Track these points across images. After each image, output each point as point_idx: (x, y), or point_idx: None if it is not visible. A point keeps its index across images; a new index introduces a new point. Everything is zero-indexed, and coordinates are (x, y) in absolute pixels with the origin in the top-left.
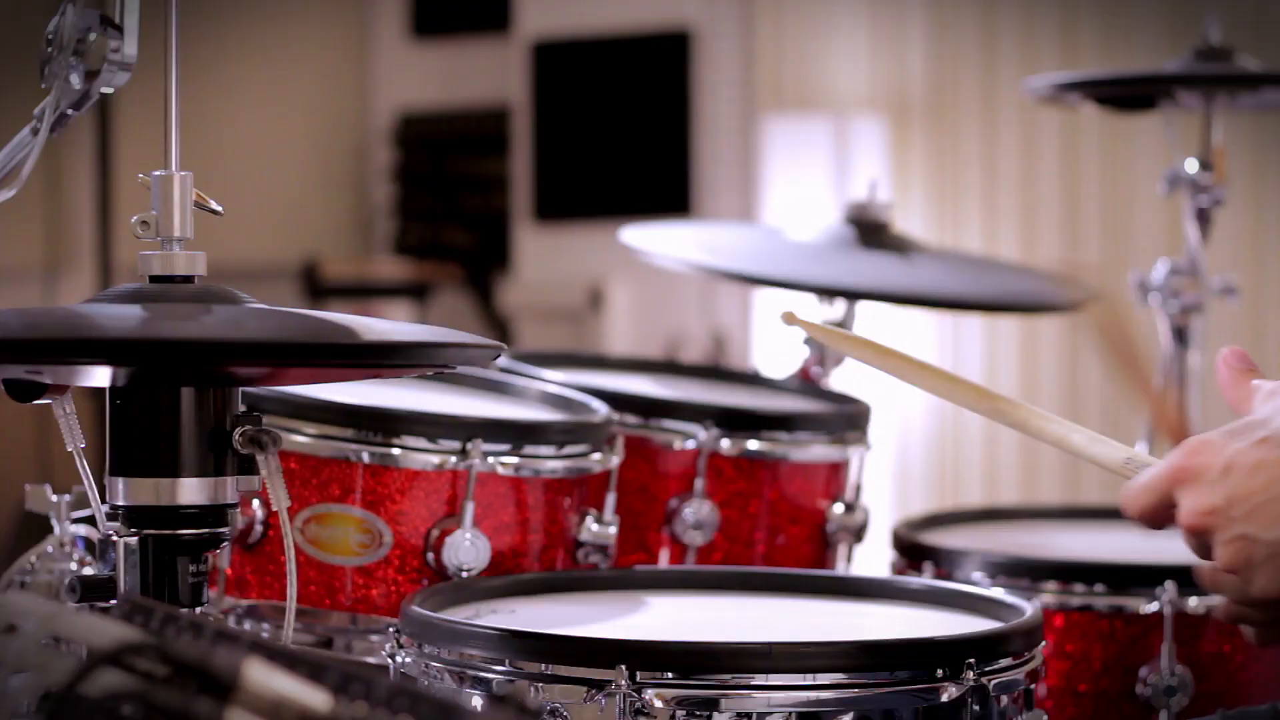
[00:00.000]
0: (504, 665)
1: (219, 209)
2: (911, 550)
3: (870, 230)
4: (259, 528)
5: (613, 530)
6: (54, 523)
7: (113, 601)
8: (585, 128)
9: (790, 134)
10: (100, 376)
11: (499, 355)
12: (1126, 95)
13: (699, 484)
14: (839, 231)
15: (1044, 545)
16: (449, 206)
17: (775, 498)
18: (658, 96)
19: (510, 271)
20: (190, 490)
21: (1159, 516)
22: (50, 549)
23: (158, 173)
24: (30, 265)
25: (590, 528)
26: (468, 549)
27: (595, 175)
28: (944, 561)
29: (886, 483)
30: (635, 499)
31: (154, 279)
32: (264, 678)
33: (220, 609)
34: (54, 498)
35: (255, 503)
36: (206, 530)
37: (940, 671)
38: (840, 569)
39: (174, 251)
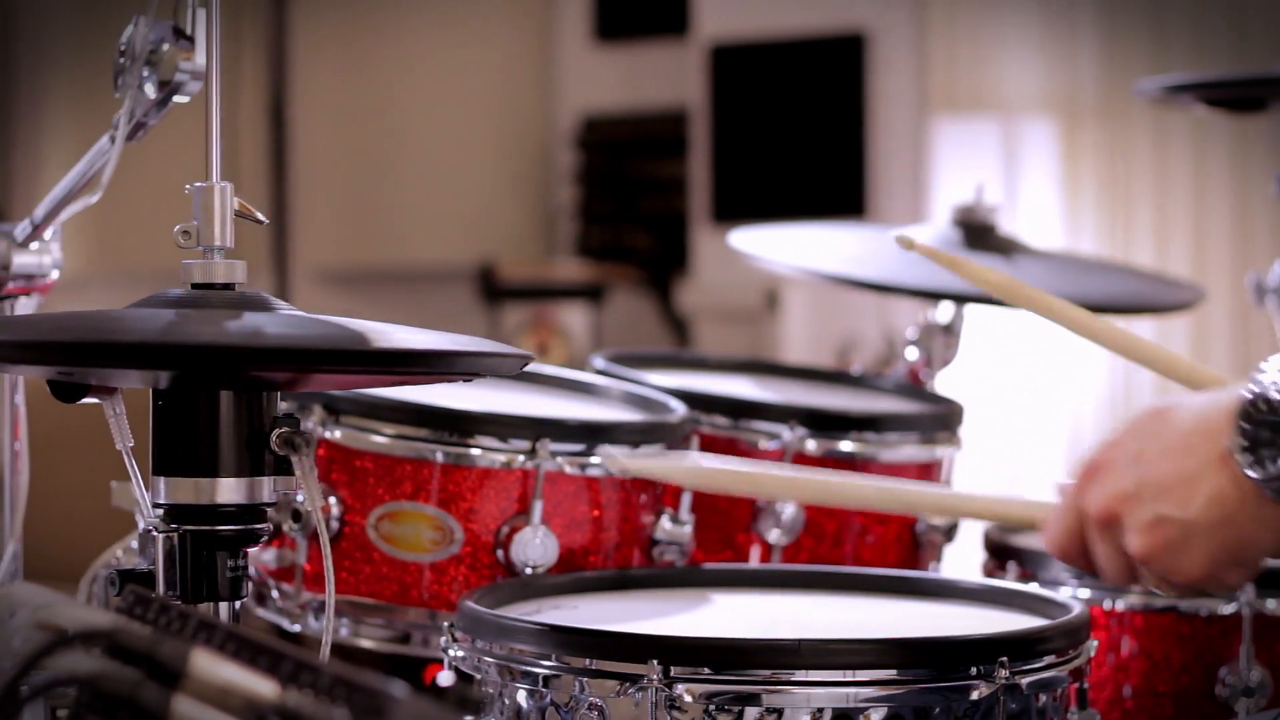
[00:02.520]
0: (551, 660)
1: (263, 219)
2: (999, 551)
3: (977, 232)
4: (335, 524)
5: (688, 529)
6: (138, 518)
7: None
8: (762, 130)
9: (961, 136)
10: (130, 379)
11: (525, 364)
12: (1237, 97)
13: None
14: (946, 233)
15: None
16: (629, 209)
17: None
18: (832, 98)
19: (688, 273)
20: (228, 489)
21: (1079, 538)
22: (135, 544)
23: (198, 184)
24: None
25: (665, 526)
26: (536, 546)
27: (772, 177)
28: (1028, 562)
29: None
30: (723, 498)
31: (195, 286)
32: (210, 667)
33: (298, 603)
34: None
35: (332, 500)
36: (244, 527)
37: (975, 670)
38: (929, 570)
39: (214, 260)
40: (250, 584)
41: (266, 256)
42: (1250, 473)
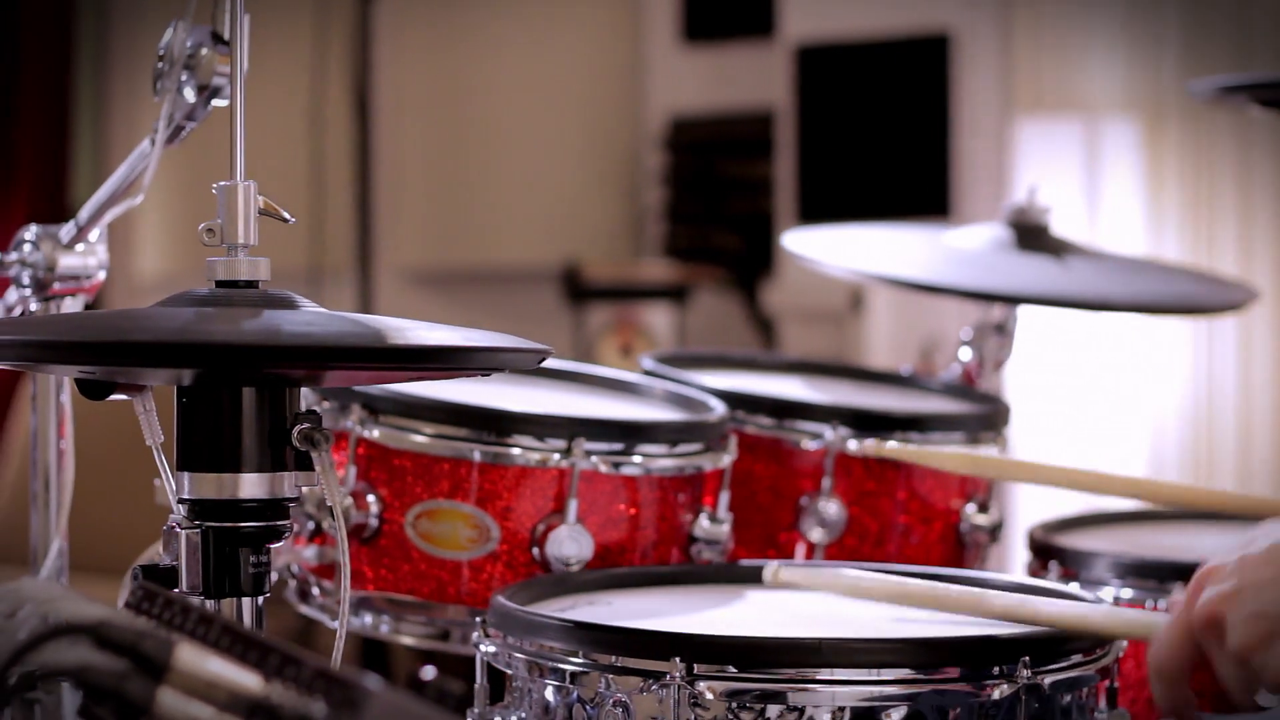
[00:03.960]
0: (579, 657)
1: (290, 218)
2: (1042, 551)
3: (1029, 234)
4: (374, 522)
5: (726, 527)
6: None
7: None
8: (847, 130)
9: (1045, 136)
10: (152, 376)
11: (543, 359)
12: None
13: (826, 483)
14: (998, 235)
15: (1184, 548)
16: (716, 209)
17: (906, 497)
18: (917, 99)
19: (774, 274)
20: (251, 485)
21: (1185, 654)
22: None
23: (222, 183)
24: (294, 270)
25: (703, 524)
26: (570, 544)
27: (857, 177)
28: (1070, 562)
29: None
30: (767, 497)
31: (219, 284)
32: (195, 660)
33: (338, 600)
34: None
35: (371, 498)
36: (266, 524)
37: (997, 669)
38: (974, 569)
39: (237, 258)
40: (294, 581)
41: (351, 258)
42: None
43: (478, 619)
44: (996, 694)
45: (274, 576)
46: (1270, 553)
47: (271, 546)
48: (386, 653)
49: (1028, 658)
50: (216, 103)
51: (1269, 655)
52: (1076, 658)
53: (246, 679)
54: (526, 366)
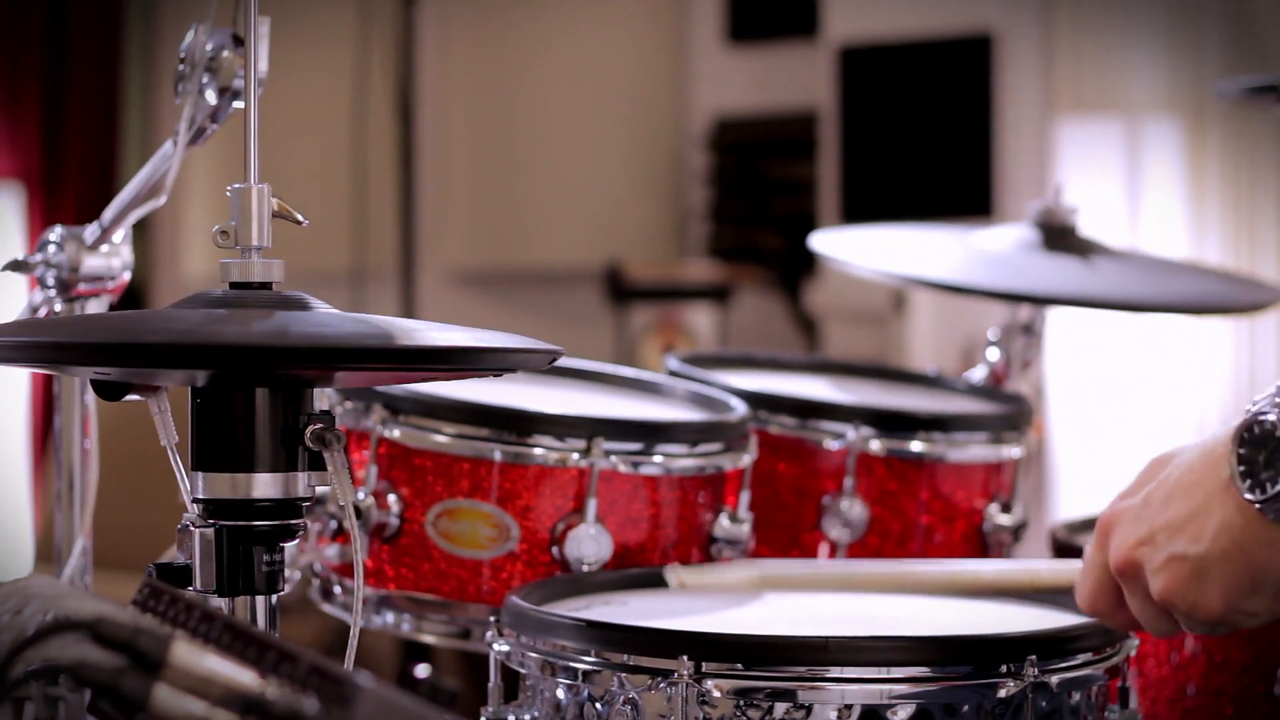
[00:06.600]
0: (591, 655)
1: (303, 220)
2: (1064, 550)
3: (1056, 234)
4: (395, 521)
5: (746, 527)
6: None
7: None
8: (890, 131)
9: (1087, 136)
10: (165, 377)
11: (554, 359)
12: None
13: (848, 483)
14: (1025, 236)
15: None
16: (759, 210)
17: (928, 497)
18: (960, 99)
19: (817, 274)
20: (264, 484)
21: (1109, 594)
22: None
23: (236, 185)
24: (338, 271)
25: (723, 524)
26: (589, 543)
27: (900, 178)
28: None
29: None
30: (790, 497)
31: (233, 285)
32: (191, 656)
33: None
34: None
35: (392, 498)
36: (280, 523)
37: (1005, 667)
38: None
39: (251, 260)
40: (317, 580)
41: (395, 259)
42: (1250, 496)
43: (492, 619)
44: (1004, 692)
45: (296, 575)
46: (1173, 490)
47: (285, 545)
48: (432, 655)
49: (1035, 656)
50: (238, 105)
51: (1195, 596)
52: (1085, 656)
53: (242, 675)
54: (537, 367)
